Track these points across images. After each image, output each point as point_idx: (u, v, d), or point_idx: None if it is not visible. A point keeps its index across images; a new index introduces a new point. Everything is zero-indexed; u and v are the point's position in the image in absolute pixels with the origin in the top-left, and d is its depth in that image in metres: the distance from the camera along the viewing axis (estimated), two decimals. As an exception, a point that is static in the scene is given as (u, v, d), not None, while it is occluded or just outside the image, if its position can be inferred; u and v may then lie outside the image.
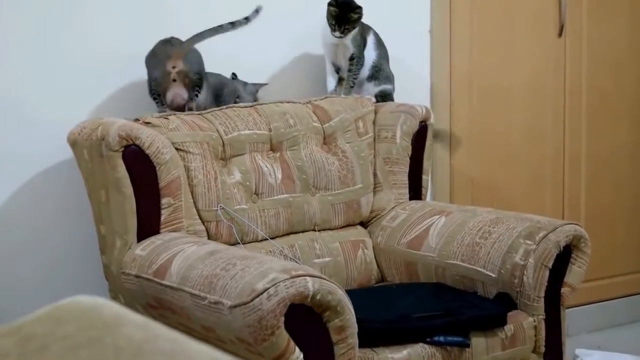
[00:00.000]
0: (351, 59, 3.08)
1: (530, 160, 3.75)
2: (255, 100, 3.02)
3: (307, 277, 2.12)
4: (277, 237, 2.86)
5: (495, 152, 3.65)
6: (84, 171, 2.71)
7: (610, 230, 3.97)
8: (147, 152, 2.55)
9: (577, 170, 3.86)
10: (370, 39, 3.15)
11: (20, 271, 2.89)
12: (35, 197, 2.89)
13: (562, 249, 2.63)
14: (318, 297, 2.12)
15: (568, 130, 3.82)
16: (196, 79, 2.83)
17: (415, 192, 3.13)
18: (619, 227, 4.01)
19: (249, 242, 2.79)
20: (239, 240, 2.75)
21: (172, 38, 2.84)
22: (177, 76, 2.80)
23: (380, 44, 3.19)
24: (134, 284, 2.52)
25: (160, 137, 2.61)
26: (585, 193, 3.89)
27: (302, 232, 2.92)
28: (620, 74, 3.94)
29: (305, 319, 2.15)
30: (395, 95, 3.24)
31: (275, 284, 2.08)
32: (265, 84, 3.01)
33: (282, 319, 2.09)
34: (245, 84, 3.05)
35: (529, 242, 2.64)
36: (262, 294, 2.07)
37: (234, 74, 3.04)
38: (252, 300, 2.08)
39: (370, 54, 3.15)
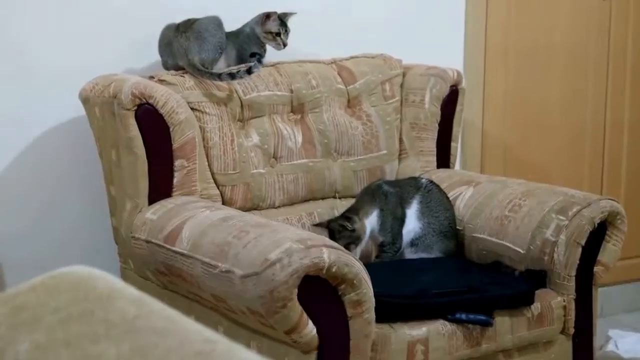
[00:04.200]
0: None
1: (569, 129, 3.74)
2: (285, 27, 2.95)
3: (323, 248, 2.15)
4: (295, 203, 2.90)
5: (531, 119, 3.65)
6: (95, 129, 2.75)
7: (652, 205, 3.96)
8: (161, 111, 2.58)
9: (619, 141, 3.85)
10: None
11: (32, 226, 2.94)
12: (48, 154, 2.93)
13: (596, 225, 2.64)
14: (334, 270, 2.15)
15: (610, 97, 3.81)
16: (214, 59, 2.83)
17: (443, 160, 3.15)
18: (661, 202, 4.00)
19: (265, 209, 2.83)
20: (255, 206, 2.79)
21: (187, 21, 2.82)
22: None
23: None
24: (143, 249, 2.56)
25: (176, 96, 2.64)
26: (626, 165, 3.89)
27: (322, 199, 2.97)
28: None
29: (320, 291, 2.19)
30: (427, 57, 3.23)
31: (289, 254, 2.11)
32: (294, 13, 2.97)
33: (296, 291, 2.12)
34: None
35: (561, 217, 2.64)
36: (275, 264, 2.10)
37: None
38: (264, 270, 2.11)
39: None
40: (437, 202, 2.83)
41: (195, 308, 2.50)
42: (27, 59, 2.86)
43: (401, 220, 2.77)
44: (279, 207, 2.87)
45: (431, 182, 2.88)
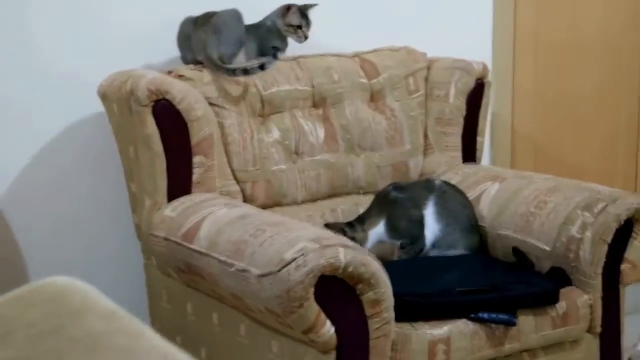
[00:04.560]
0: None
1: (602, 125, 3.70)
2: (306, 19, 2.93)
3: (339, 248, 2.14)
4: (317, 200, 2.90)
5: (563, 114, 3.61)
6: (114, 126, 2.77)
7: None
8: (178, 107, 2.58)
9: (654, 137, 3.81)
10: None
11: (60, 224, 2.97)
12: (73, 151, 2.95)
13: (622, 222, 2.60)
14: (350, 269, 2.14)
15: (645, 91, 3.76)
16: (233, 54, 2.82)
17: (469, 155, 3.13)
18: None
19: (287, 205, 2.82)
20: (277, 203, 2.79)
21: (205, 15, 2.82)
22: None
23: None
24: (163, 247, 2.57)
25: (193, 91, 2.64)
26: (662, 161, 3.84)
27: (346, 195, 2.95)
28: None
29: (337, 291, 2.18)
30: (454, 50, 3.21)
31: (304, 253, 2.10)
32: (315, 5, 2.96)
33: (312, 290, 2.11)
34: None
35: (586, 214, 2.61)
36: (290, 263, 2.10)
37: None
38: (280, 270, 2.11)
39: None
40: (454, 202, 2.80)
41: (217, 306, 2.51)
42: (46, 56, 2.86)
43: (419, 222, 2.75)
44: (301, 203, 2.86)
45: (445, 182, 2.85)
